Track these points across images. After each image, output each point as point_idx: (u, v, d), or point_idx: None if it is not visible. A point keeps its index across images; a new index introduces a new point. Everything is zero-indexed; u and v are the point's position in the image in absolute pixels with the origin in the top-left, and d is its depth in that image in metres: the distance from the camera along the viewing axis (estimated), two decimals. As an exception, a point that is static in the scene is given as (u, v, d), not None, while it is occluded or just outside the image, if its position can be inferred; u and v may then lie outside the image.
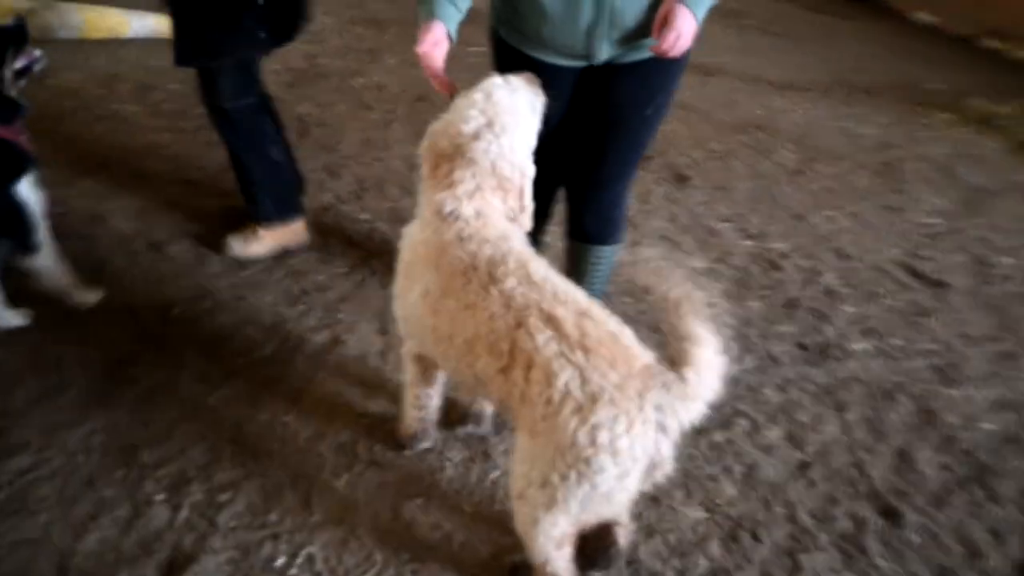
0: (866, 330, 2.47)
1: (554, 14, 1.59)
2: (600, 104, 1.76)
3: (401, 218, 2.73)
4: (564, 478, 1.21)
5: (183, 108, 3.38)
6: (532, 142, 1.50)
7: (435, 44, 1.54)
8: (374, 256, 2.52)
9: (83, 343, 2.01)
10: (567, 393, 1.20)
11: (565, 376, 1.20)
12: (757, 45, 5.94)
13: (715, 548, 1.65)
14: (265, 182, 2.33)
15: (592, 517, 1.33)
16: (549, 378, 1.21)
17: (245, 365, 2.01)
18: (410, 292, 1.46)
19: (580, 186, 1.92)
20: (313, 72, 3.94)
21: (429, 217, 1.44)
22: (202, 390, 1.92)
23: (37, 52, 1.91)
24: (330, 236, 2.60)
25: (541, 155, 1.59)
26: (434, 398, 1.71)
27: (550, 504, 1.25)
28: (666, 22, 1.50)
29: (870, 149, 4.04)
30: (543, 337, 1.24)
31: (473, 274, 1.35)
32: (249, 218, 2.40)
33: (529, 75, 1.54)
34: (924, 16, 8.01)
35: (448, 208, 1.39)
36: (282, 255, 2.44)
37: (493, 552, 1.58)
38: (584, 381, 1.19)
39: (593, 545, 1.50)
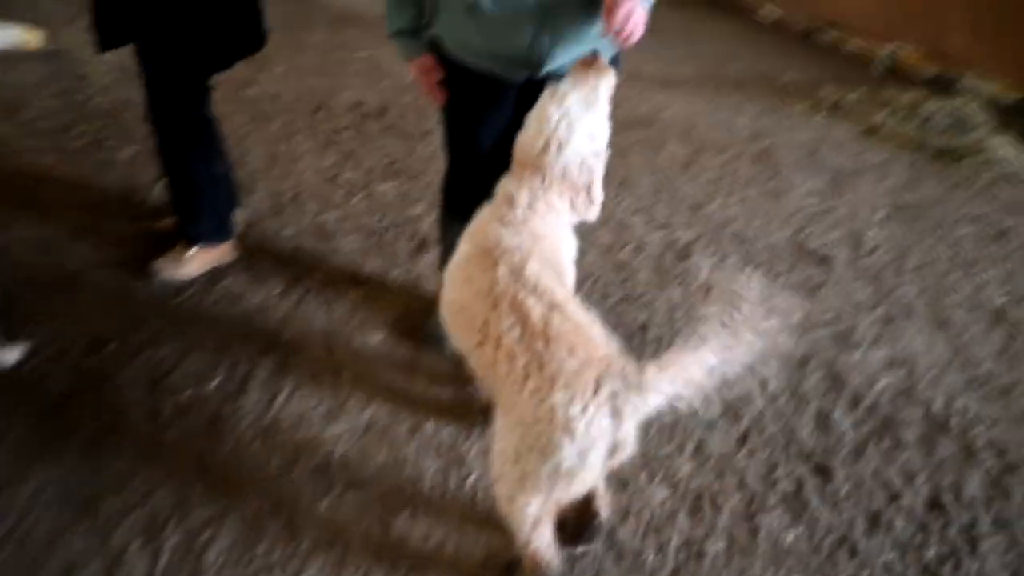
0: (770, 308, 2.72)
1: (497, 29, 1.64)
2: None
3: (325, 232, 2.72)
4: (529, 451, 1.32)
5: (63, 125, 3.15)
6: (603, 132, 1.59)
7: (426, 73, 1.81)
8: (306, 274, 2.48)
9: (10, 392, 1.86)
10: (527, 375, 1.31)
11: (523, 360, 1.31)
12: (630, 42, 6.24)
13: (683, 521, 1.80)
14: (210, 198, 2.25)
15: (565, 495, 1.41)
16: (512, 360, 1.32)
17: (196, 396, 1.94)
18: (460, 278, 1.55)
19: None
20: (201, 82, 3.76)
21: (496, 202, 1.58)
22: (154, 428, 1.83)
23: None
24: (257, 254, 2.53)
25: (488, 154, 1.85)
26: None
27: (522, 480, 1.35)
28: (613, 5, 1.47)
29: (746, 139, 4.40)
30: (508, 322, 1.35)
31: (487, 255, 1.45)
32: (181, 237, 2.30)
33: (576, 72, 1.57)
34: (769, 12, 8.75)
35: (512, 195, 1.53)
36: (212, 278, 2.35)
37: (487, 554, 1.64)
38: (541, 366, 1.30)
39: (576, 522, 1.62)
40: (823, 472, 2.00)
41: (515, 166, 1.59)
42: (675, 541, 1.74)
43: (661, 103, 4.76)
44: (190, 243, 2.30)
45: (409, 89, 4.28)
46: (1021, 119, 5.55)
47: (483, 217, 1.58)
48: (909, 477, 2.02)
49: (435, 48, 1.81)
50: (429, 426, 1.95)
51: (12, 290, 2.18)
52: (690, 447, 2.03)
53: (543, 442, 1.29)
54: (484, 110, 1.84)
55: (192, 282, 2.32)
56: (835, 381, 2.37)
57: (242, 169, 3.05)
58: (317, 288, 2.40)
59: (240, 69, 4.15)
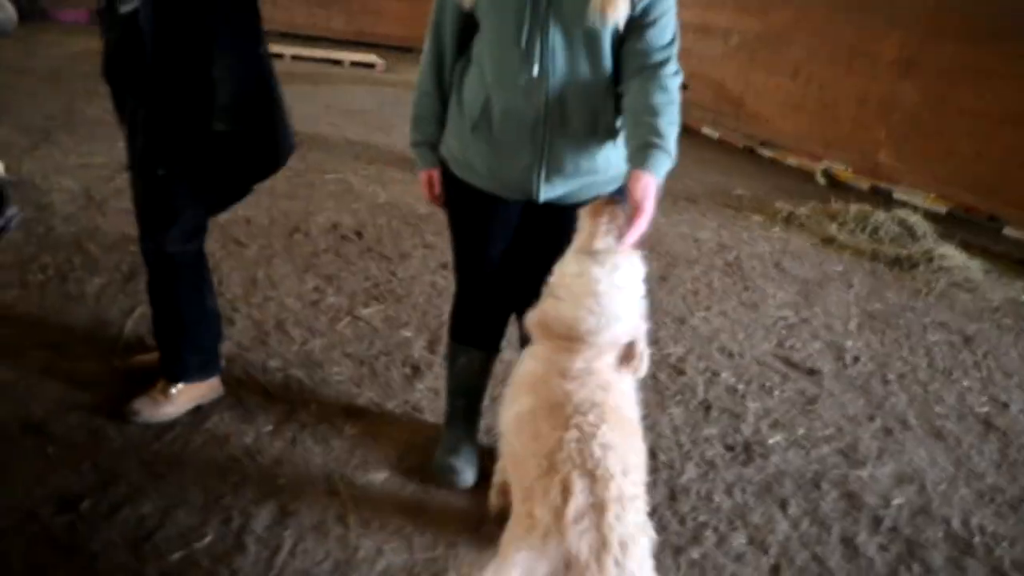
0: (773, 423, 2.69)
1: (498, 153, 1.72)
2: (548, 240, 1.80)
3: (314, 361, 2.60)
4: None
5: (25, 258, 2.99)
6: (641, 298, 1.56)
7: (428, 185, 1.94)
8: (298, 408, 2.33)
9: (-31, 565, 1.62)
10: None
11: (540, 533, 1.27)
12: (588, 161, 6.50)
13: (734, 672, 1.66)
14: (196, 335, 2.12)
15: None
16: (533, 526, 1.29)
17: (186, 559, 1.73)
18: (508, 410, 1.57)
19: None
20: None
21: (541, 356, 1.51)
22: (140, 600, 1.62)
23: (13, 209, 1.66)
24: (242, 389, 2.38)
25: (496, 279, 1.95)
26: None
27: None
28: (636, 192, 1.55)
29: (712, 252, 4.53)
30: (553, 496, 1.30)
31: (559, 410, 1.40)
32: (163, 374, 2.14)
33: (621, 205, 1.58)
34: (709, 131, 9.33)
35: (563, 362, 1.48)
36: (197, 418, 2.18)
37: None
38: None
39: None
40: (862, 604, 1.90)
41: (541, 333, 1.53)
42: None
43: (627, 219, 4.89)
44: (173, 380, 2.15)
45: (383, 210, 4.30)
46: (957, 228, 5.93)
47: (534, 371, 1.52)
48: (948, 604, 1.94)
49: (443, 167, 1.89)
50: (452, 574, 1.79)
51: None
52: (724, 585, 1.91)
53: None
54: (488, 227, 1.89)
55: (174, 423, 2.15)
56: (851, 501, 2.31)
57: (220, 297, 2.94)
58: (311, 424, 2.25)
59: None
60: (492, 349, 2.10)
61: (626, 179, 1.58)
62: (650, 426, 2.54)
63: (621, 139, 1.75)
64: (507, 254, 1.92)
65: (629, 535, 1.28)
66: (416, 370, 2.65)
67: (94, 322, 2.62)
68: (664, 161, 1.57)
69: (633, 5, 1.56)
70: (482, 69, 1.68)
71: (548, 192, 1.75)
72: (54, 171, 4.08)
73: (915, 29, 7.50)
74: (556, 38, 1.59)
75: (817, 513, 2.23)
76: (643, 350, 1.56)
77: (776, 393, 2.91)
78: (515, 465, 1.47)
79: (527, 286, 1.86)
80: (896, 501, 2.34)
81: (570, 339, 1.47)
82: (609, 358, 1.51)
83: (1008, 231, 6.30)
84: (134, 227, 3.38)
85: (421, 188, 1.98)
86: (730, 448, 2.50)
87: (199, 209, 2.04)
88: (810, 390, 2.97)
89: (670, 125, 1.59)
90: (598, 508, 1.28)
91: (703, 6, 10.57)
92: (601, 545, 1.24)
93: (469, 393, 2.15)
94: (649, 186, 1.53)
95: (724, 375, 2.98)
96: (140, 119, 1.89)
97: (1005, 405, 3.04)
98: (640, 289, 1.54)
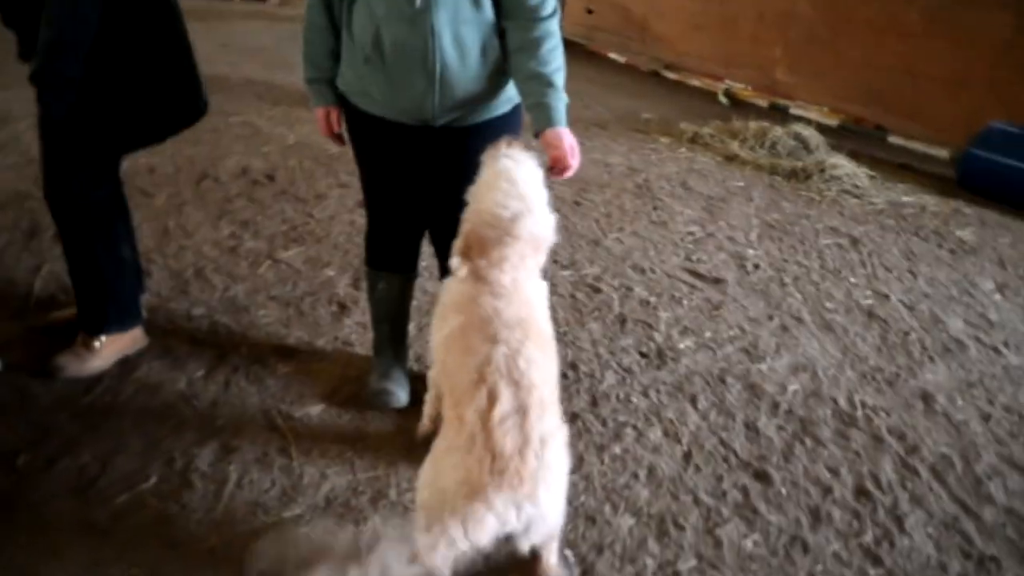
0: (683, 330, 2.91)
1: (392, 82, 1.80)
2: (449, 161, 1.92)
3: (238, 307, 2.62)
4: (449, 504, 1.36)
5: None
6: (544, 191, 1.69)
7: (325, 120, 1.99)
8: (228, 352, 2.36)
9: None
10: (469, 447, 1.40)
11: (469, 434, 1.40)
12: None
13: (653, 546, 1.87)
14: (114, 285, 2.10)
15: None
16: (462, 428, 1.43)
17: (133, 499, 1.79)
18: (438, 332, 1.67)
19: (443, 233, 1.93)
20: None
21: (468, 278, 1.60)
22: (92, 540, 1.67)
23: None
24: (169, 338, 2.38)
25: (404, 203, 2.03)
26: None
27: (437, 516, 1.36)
28: (554, 149, 1.76)
29: (623, 175, 4.69)
30: (479, 402, 1.42)
31: (487, 325, 1.52)
32: (84, 328, 2.12)
33: (517, 142, 1.71)
34: (616, 56, 9.40)
35: (491, 278, 1.58)
36: (124, 369, 2.19)
37: None
38: (475, 448, 1.39)
39: None
40: (763, 477, 2.15)
41: (471, 235, 1.62)
42: (651, 566, 1.80)
43: (537, 146, 4.97)
44: (95, 333, 2.13)
45: (293, 152, 4.22)
46: (847, 139, 6.30)
47: (462, 292, 1.61)
48: (834, 471, 2.21)
49: (342, 100, 1.95)
50: (392, 492, 1.91)
51: None
52: (643, 473, 2.11)
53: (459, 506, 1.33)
54: (391, 153, 1.96)
55: (102, 376, 2.15)
56: (753, 391, 2.56)
57: (133, 249, 2.88)
58: (243, 366, 2.29)
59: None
60: (409, 272, 2.19)
61: (535, 132, 1.80)
62: (571, 341, 2.71)
63: (499, 64, 1.86)
64: (412, 178, 1.99)
65: (548, 432, 1.44)
66: (343, 307, 2.70)
67: (3, 280, 2.54)
68: (562, 108, 1.77)
69: None
70: (369, 2, 1.72)
71: (444, 117, 1.84)
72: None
73: (807, -55, 7.68)
74: None
75: (723, 405, 2.46)
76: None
77: (685, 303, 3.13)
78: (447, 377, 1.58)
79: (436, 208, 2.01)
80: (792, 388, 2.60)
81: (497, 239, 1.57)
82: (532, 259, 1.63)
83: (892, 139, 6.74)
84: (26, 182, 3.26)
85: (318, 125, 2.02)
86: (644, 355, 2.70)
87: (107, 152, 1.99)
88: (716, 297, 3.20)
89: (557, 71, 1.78)
90: (522, 411, 1.42)
91: (603, -73, 10.45)
92: (524, 442, 1.38)
93: (393, 318, 2.23)
94: (563, 136, 1.75)
95: (637, 290, 3.17)
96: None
97: (886, 296, 3.37)
98: (542, 184, 1.68)
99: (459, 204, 1.74)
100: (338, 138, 2.03)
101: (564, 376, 2.49)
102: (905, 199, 4.85)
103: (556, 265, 3.28)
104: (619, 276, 3.28)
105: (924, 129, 6.69)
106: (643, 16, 9.80)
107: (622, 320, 2.92)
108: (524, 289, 1.61)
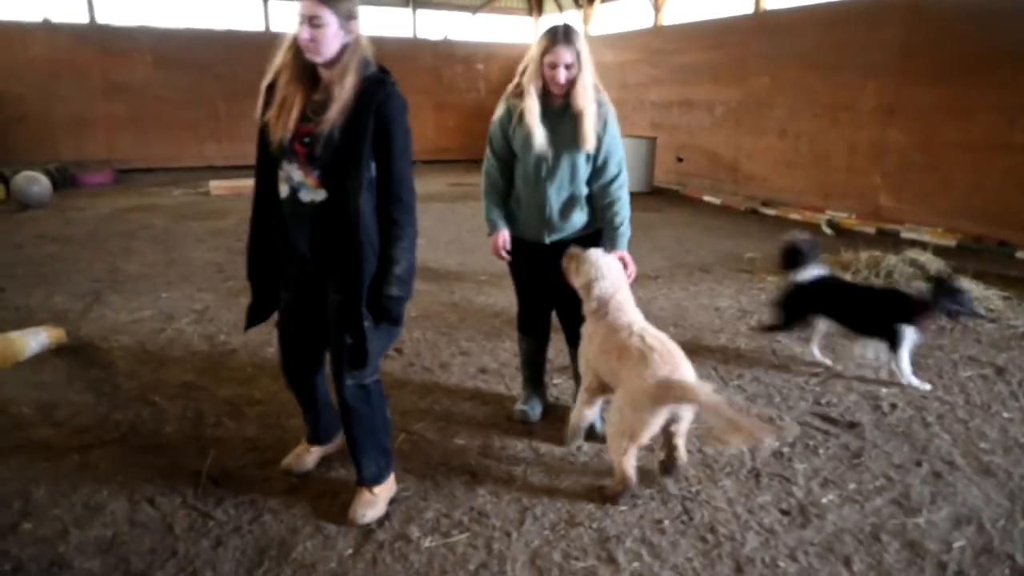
0: (823, 482, 2.78)
1: (525, 219, 3.00)
2: (554, 265, 2.96)
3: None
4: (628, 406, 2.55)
5: (98, 419, 3.21)
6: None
7: (497, 240, 3.00)
8: (374, 527, 2.46)
9: None
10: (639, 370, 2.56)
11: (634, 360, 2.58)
12: (600, 246, 6.76)
13: None
14: (387, 440, 2.57)
15: (644, 436, 2.55)
16: (629, 360, 2.60)
17: None
18: (590, 346, 2.79)
19: (566, 310, 3.13)
20: (222, 351, 3.88)
21: (593, 318, 2.83)
22: None
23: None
24: (319, 517, 2.52)
25: (535, 293, 3.17)
26: (595, 407, 2.95)
27: (621, 424, 2.56)
28: (620, 259, 2.90)
29: (735, 318, 4.68)
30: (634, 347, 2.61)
31: (614, 332, 2.71)
32: (366, 484, 2.52)
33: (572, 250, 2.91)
34: (711, 198, 9.63)
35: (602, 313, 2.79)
36: (280, 552, 2.32)
37: None
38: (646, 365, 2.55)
39: (666, 464, 2.77)
40: (943, 652, 1.95)
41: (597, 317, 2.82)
42: None
43: (646, 297, 5.08)
44: (375, 483, 2.53)
45: (417, 324, 4.51)
46: (969, 259, 6.06)
47: (595, 324, 2.81)
48: (1027, 641, 1.98)
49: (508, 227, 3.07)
50: None
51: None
52: (805, 650, 1.97)
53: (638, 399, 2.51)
54: (527, 260, 3.08)
55: (262, 559, 2.29)
56: (913, 550, 2.37)
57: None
58: (388, 542, 2.38)
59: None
60: (543, 337, 3.25)
61: (607, 247, 2.97)
62: (705, 501, 2.64)
63: (587, 210, 2.99)
64: (538, 276, 3.09)
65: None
66: (474, 476, 2.78)
67: (168, 469, 2.80)
68: (625, 239, 2.95)
69: (599, 142, 2.83)
70: (516, 173, 2.97)
71: (549, 238, 2.99)
72: (110, 331, 4.37)
73: (888, 78, 7.89)
74: (560, 161, 2.88)
75: (882, 567, 2.29)
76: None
77: (821, 452, 3.00)
78: (598, 358, 2.75)
79: (554, 295, 3.10)
80: (957, 544, 2.40)
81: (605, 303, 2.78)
82: (628, 311, 2.79)
83: (1021, 254, 6.41)
84: (191, 375, 3.65)
85: (491, 246, 3.04)
86: (786, 512, 2.58)
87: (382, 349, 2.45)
88: (854, 444, 3.06)
89: (624, 220, 2.94)
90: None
91: (682, 83, 11.15)
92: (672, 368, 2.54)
93: (532, 366, 3.29)
94: (624, 254, 2.93)
95: (767, 442, 3.07)
96: (343, 288, 2.29)
97: (1048, 432, 3.10)
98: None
99: (566, 289, 2.93)
100: (505, 254, 3.03)
101: (703, 540, 2.42)
102: (1049, 319, 4.55)
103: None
104: (746, 427, 3.20)
105: (1053, 241, 6.35)
106: (733, 159, 10.12)
107: (756, 474, 2.83)
108: (627, 313, 2.78)
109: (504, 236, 2.97)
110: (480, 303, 5.03)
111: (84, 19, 12.02)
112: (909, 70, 7.60)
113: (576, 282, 2.82)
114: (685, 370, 2.55)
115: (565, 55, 2.66)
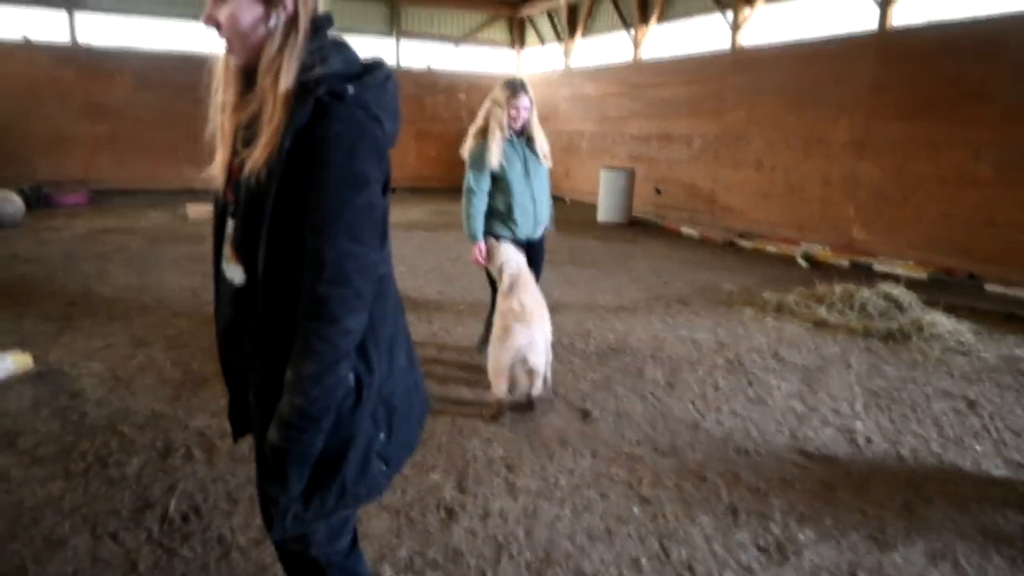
0: (800, 517, 2.77)
1: (521, 221, 3.94)
2: (534, 255, 4.07)
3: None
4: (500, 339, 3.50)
5: (64, 448, 3.12)
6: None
7: (481, 251, 3.90)
8: None
9: None
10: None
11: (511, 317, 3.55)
12: (577, 277, 6.79)
13: None
14: None
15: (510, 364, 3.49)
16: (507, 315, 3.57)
17: None
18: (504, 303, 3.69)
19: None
20: (195, 379, 3.81)
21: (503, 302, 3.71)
22: None
23: None
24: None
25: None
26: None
27: (496, 355, 3.52)
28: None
29: (712, 351, 4.70)
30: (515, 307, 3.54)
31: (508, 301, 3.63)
32: None
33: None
34: (689, 230, 9.74)
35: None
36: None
37: None
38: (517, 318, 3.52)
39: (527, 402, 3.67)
40: None
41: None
42: None
43: (624, 330, 5.09)
44: None
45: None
46: (940, 292, 6.17)
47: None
48: None
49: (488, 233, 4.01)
50: None
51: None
52: None
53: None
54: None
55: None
56: (889, 587, 2.37)
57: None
58: (358, 581, 2.32)
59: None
60: None
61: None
62: (682, 538, 2.62)
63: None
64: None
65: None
66: (451, 513, 2.74)
67: (139, 502, 2.72)
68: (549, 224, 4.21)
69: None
70: (506, 195, 3.91)
71: (534, 236, 4.06)
72: (81, 357, 4.27)
73: (859, 113, 8.08)
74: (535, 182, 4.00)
75: (859, 604, 2.28)
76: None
77: (798, 485, 3.00)
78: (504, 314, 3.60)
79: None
80: (933, 579, 2.40)
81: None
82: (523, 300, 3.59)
83: (990, 287, 6.54)
84: (162, 404, 3.57)
85: (473, 253, 3.91)
86: (763, 550, 2.57)
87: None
88: (828, 478, 3.06)
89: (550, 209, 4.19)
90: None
91: (661, 117, 11.33)
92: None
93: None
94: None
95: (744, 475, 3.08)
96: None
97: (1020, 466, 3.13)
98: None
99: (537, 273, 4.03)
100: (482, 267, 3.97)
101: (681, 578, 2.39)
102: (1019, 352, 4.63)
103: (656, 453, 3.25)
104: (723, 462, 3.20)
105: (1021, 274, 6.49)
106: (710, 191, 10.26)
107: (733, 511, 2.82)
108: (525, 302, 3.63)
109: (482, 245, 3.88)
110: (459, 334, 5.01)
111: (66, 39, 11.97)
112: (879, 105, 7.80)
113: (492, 266, 3.83)
114: (536, 330, 3.47)
115: (524, 100, 3.82)
